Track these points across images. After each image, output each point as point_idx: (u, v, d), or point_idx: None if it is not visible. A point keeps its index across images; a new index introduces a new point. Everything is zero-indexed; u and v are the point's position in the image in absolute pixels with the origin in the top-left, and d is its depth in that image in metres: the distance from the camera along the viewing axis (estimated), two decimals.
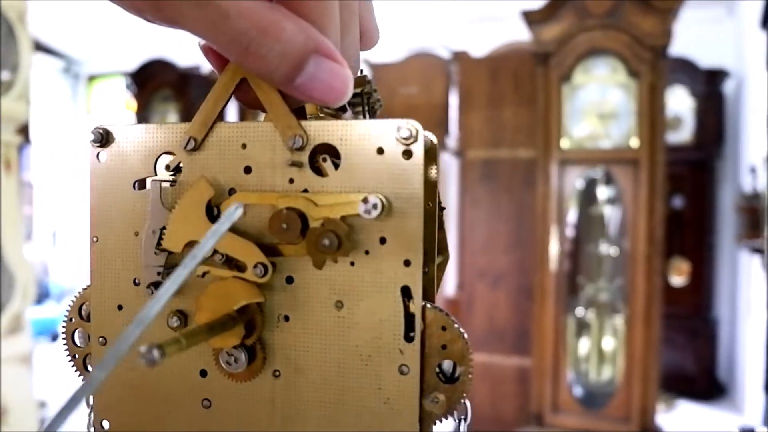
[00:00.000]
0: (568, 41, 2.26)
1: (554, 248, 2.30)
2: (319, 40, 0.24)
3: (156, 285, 0.31)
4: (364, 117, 0.36)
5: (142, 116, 3.59)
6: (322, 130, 0.29)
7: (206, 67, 3.60)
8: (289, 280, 0.30)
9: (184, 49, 3.70)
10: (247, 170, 0.30)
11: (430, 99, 3.04)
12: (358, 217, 0.28)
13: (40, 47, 4.45)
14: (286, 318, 0.30)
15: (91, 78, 5.45)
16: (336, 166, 0.29)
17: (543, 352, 2.33)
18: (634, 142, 2.22)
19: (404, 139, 0.28)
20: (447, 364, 0.30)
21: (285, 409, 0.31)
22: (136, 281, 0.32)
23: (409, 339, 0.29)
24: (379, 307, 0.29)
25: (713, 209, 3.43)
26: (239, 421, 0.31)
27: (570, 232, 2.37)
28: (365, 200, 0.28)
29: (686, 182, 3.33)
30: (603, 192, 2.39)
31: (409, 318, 0.29)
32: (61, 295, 5.09)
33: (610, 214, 2.40)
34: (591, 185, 2.41)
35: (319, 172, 0.29)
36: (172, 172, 0.31)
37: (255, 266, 0.29)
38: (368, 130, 0.29)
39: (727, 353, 3.47)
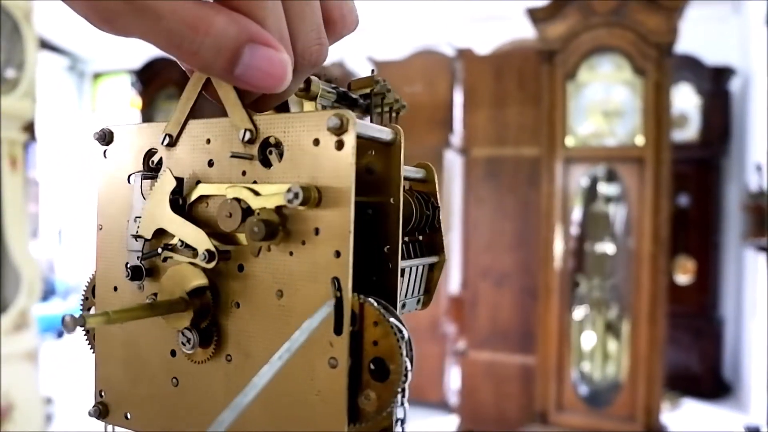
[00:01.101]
0: (573, 39, 2.26)
1: (558, 247, 2.30)
2: (252, 30, 0.25)
3: (133, 269, 0.34)
4: (382, 118, 0.36)
5: (147, 114, 3.60)
6: (269, 124, 0.30)
7: None
8: (240, 268, 0.31)
9: None
10: (210, 163, 0.32)
11: (435, 97, 3.03)
12: (297, 208, 0.29)
13: (45, 45, 4.46)
14: (237, 304, 0.31)
15: (97, 76, 5.47)
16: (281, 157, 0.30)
17: (547, 351, 2.33)
18: (640, 140, 2.22)
19: (335, 129, 0.28)
20: (374, 362, 0.29)
21: (235, 392, 0.31)
22: (126, 265, 0.35)
23: (338, 331, 0.29)
24: (314, 297, 0.29)
25: (719, 208, 3.42)
26: (199, 400, 0.33)
27: (574, 230, 2.37)
28: (288, 190, 0.28)
29: (692, 180, 3.31)
30: (607, 190, 2.39)
31: (340, 310, 0.29)
32: (66, 292, 5.12)
33: (615, 212, 2.39)
34: (595, 183, 2.40)
35: (266, 163, 0.31)
36: (155, 166, 0.34)
37: (203, 253, 0.31)
38: (306, 121, 0.29)
39: (732, 352, 3.45)
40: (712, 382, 3.31)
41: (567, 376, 2.34)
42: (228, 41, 0.24)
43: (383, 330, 0.29)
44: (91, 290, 0.37)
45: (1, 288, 1.89)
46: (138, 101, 3.68)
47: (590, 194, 2.41)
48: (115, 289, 0.35)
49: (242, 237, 0.31)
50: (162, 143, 0.33)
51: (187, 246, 0.32)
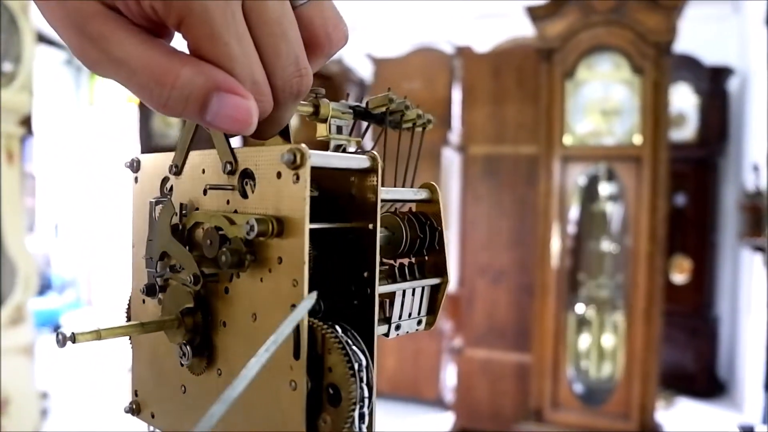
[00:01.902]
0: (572, 37, 2.26)
1: (556, 245, 2.30)
2: (218, 79, 0.26)
3: (148, 287, 0.36)
4: (411, 132, 0.39)
5: (144, 108, 3.59)
6: (246, 157, 0.32)
7: None
8: (226, 290, 0.33)
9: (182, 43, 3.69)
10: (205, 192, 0.34)
11: (433, 94, 3.03)
12: (266, 237, 0.30)
13: (43, 39, 4.44)
14: (224, 324, 0.33)
15: None
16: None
17: (543, 349, 2.34)
18: (637, 139, 2.22)
19: (289, 163, 0.29)
20: (335, 387, 0.31)
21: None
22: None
23: (296, 356, 0.30)
24: (277, 322, 0.30)
25: (715, 207, 3.43)
26: (201, 408, 0.35)
27: (571, 228, 2.37)
28: (247, 222, 0.30)
29: (689, 180, 3.32)
30: (605, 189, 2.39)
31: (298, 336, 0.30)
32: (62, 287, 5.11)
33: (612, 211, 2.40)
34: (593, 182, 2.41)
35: (243, 194, 0.32)
36: (168, 192, 0.37)
37: (189, 276, 0.34)
38: (270, 155, 0.31)
39: (727, 351, 3.47)
40: (706, 381, 3.33)
41: (562, 374, 2.34)
42: (195, 91, 0.26)
43: (336, 358, 0.30)
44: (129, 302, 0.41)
45: None
46: (133, 97, 3.66)
47: (588, 193, 2.41)
48: (143, 302, 0.38)
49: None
50: (170, 172, 0.36)
51: (183, 268, 0.34)
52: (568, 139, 2.30)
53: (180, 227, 0.35)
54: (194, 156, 0.35)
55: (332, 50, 0.30)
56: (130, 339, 0.40)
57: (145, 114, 3.60)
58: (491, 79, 2.68)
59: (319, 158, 0.30)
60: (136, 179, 0.39)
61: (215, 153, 0.34)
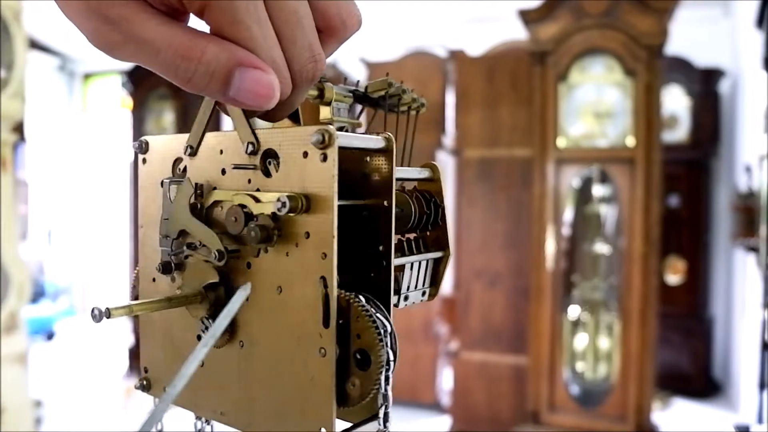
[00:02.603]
0: (565, 40, 2.27)
1: (550, 247, 2.31)
2: (239, 55, 0.27)
3: (164, 264, 0.37)
4: (406, 116, 0.40)
5: (138, 114, 3.58)
6: (268, 137, 0.34)
7: None
8: (248, 265, 0.35)
9: None
10: (223, 172, 0.36)
11: (427, 98, 3.02)
12: (294, 213, 0.32)
13: (35, 45, 4.43)
14: (247, 298, 0.35)
15: (87, 76, 5.43)
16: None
17: (539, 351, 2.34)
18: (630, 141, 2.23)
19: (318, 144, 0.31)
20: (363, 353, 0.33)
21: (245, 374, 0.36)
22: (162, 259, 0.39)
23: (326, 324, 0.32)
24: (305, 294, 0.33)
25: (709, 208, 3.44)
26: (218, 381, 0.37)
27: (566, 231, 2.38)
28: (278, 199, 0.32)
29: (682, 181, 3.34)
30: (599, 191, 2.40)
31: (327, 305, 0.32)
32: (56, 294, 5.08)
33: (606, 212, 2.41)
34: (587, 184, 2.41)
35: (266, 173, 0.34)
36: (181, 173, 0.38)
37: (215, 252, 0.35)
38: (296, 136, 0.33)
39: (722, 351, 3.48)
40: (702, 382, 3.34)
41: (559, 376, 2.35)
42: (219, 67, 0.27)
43: (364, 324, 0.32)
44: (136, 281, 0.42)
45: None
46: (129, 102, 3.65)
47: (582, 195, 2.42)
48: (154, 280, 0.39)
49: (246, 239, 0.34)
50: (185, 153, 0.37)
51: (204, 245, 0.35)
52: (561, 142, 2.31)
53: (198, 206, 0.36)
54: (210, 137, 0.36)
55: (347, 35, 0.31)
56: (136, 318, 0.40)
57: (138, 119, 3.59)
58: (485, 82, 2.68)
59: (343, 139, 0.32)
60: (144, 160, 0.40)
61: (233, 135, 0.35)
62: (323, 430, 0.33)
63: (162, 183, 0.38)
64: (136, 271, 0.42)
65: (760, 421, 2.33)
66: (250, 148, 0.34)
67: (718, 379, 3.45)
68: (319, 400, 0.33)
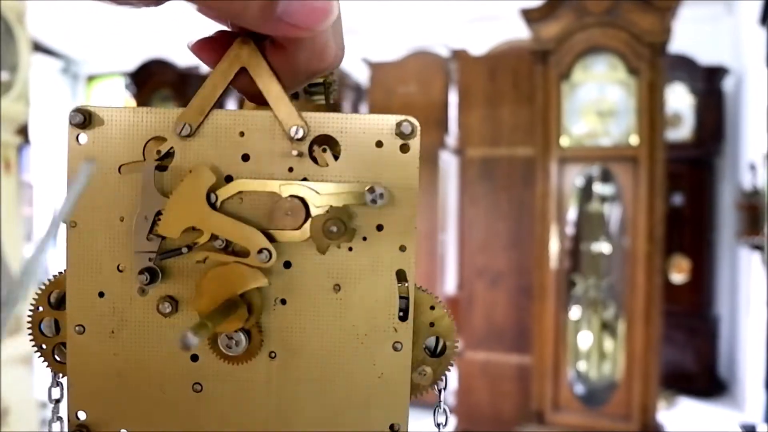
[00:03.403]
0: (567, 39, 2.26)
1: (554, 246, 2.30)
2: None
3: (149, 271, 0.31)
4: (327, 105, 0.37)
5: None
6: (322, 122, 0.31)
7: (205, 67, 3.60)
8: (287, 264, 0.31)
9: (183, 49, 3.70)
10: (245, 158, 0.31)
11: (429, 97, 3.03)
12: (357, 206, 0.30)
13: (39, 47, 4.44)
14: (283, 301, 0.31)
15: (91, 78, 5.45)
16: (334, 157, 0.31)
17: (543, 350, 2.33)
18: (634, 140, 2.22)
19: (404, 134, 0.30)
20: (430, 340, 0.33)
21: (280, 389, 0.32)
22: (120, 267, 0.32)
23: (402, 318, 0.31)
24: (375, 289, 0.31)
25: (713, 206, 3.43)
26: (233, 403, 0.32)
27: (569, 230, 2.37)
28: (371, 190, 0.29)
29: (686, 180, 3.33)
30: (602, 190, 2.39)
31: (401, 299, 0.31)
32: None
33: (610, 211, 2.40)
34: (590, 183, 2.41)
35: (316, 161, 0.31)
36: (161, 157, 0.31)
37: (260, 251, 0.30)
38: (369, 123, 0.31)
39: (727, 350, 3.47)
40: (707, 381, 3.33)
41: (563, 376, 2.34)
42: None
43: (440, 313, 0.32)
44: (47, 298, 0.34)
45: None
46: (132, 103, 3.67)
47: (585, 194, 2.42)
48: (101, 294, 0.32)
49: (282, 234, 0.31)
50: (178, 132, 0.31)
51: (227, 245, 0.31)
52: (564, 141, 2.31)
53: (214, 198, 0.31)
54: (220, 116, 0.31)
55: (334, 67, 0.31)
56: (41, 350, 0.33)
57: None
58: (487, 81, 2.68)
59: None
60: (78, 138, 0.31)
61: (259, 114, 0.31)
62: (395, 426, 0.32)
63: (120, 168, 0.31)
64: (43, 286, 0.34)
65: (766, 420, 2.31)
66: (301, 132, 0.30)
67: (724, 378, 3.44)
68: (391, 396, 0.32)
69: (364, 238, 0.31)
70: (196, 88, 0.31)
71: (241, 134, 0.31)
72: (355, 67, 3.34)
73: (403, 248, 0.31)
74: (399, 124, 0.30)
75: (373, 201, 0.29)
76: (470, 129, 2.70)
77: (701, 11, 3.34)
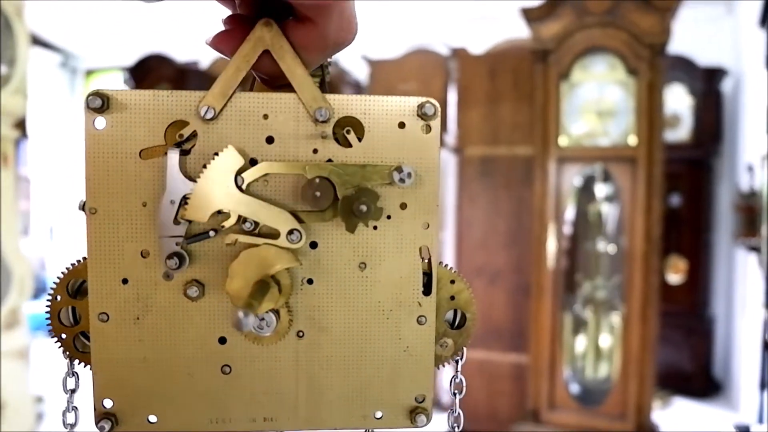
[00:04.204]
0: (567, 39, 2.26)
1: (552, 246, 2.31)
2: None
3: (177, 256, 0.31)
4: (322, 88, 0.37)
5: None
6: (345, 104, 0.31)
7: (204, 62, 3.59)
8: (313, 245, 0.32)
9: (182, 44, 3.69)
10: (270, 140, 0.31)
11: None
12: (382, 185, 0.31)
13: (37, 41, 4.43)
14: (310, 281, 0.32)
15: (89, 72, 5.43)
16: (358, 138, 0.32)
17: (540, 350, 2.34)
18: (633, 140, 2.23)
19: (426, 115, 0.32)
20: (449, 314, 0.34)
21: (309, 366, 0.33)
22: (144, 253, 0.31)
23: (426, 292, 0.33)
24: (400, 265, 0.32)
25: (710, 207, 3.44)
26: (263, 382, 0.33)
27: (567, 229, 2.37)
28: (399, 170, 0.31)
29: (684, 180, 3.33)
30: (601, 189, 2.40)
31: (429, 274, 0.33)
32: None
33: (608, 211, 2.40)
34: (589, 182, 2.41)
35: (339, 143, 0.32)
36: (183, 141, 0.31)
37: (290, 232, 0.31)
38: (391, 105, 0.32)
39: (723, 351, 3.48)
40: (702, 381, 3.33)
41: (559, 375, 2.35)
42: None
43: (460, 286, 0.34)
44: (65, 287, 0.33)
45: None
46: None
47: (583, 194, 2.42)
48: (125, 281, 0.31)
49: (308, 215, 0.31)
50: (201, 115, 0.30)
51: (260, 226, 0.31)
52: (563, 140, 2.31)
53: (240, 181, 0.31)
54: (243, 99, 0.31)
55: (347, 46, 0.32)
56: (61, 340, 0.33)
57: None
58: (486, 80, 2.68)
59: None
60: (95, 122, 0.31)
61: (282, 97, 0.31)
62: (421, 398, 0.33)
63: (141, 153, 0.31)
64: (62, 275, 0.33)
65: (760, 420, 2.32)
66: (326, 114, 0.31)
67: (719, 379, 3.45)
68: (416, 368, 0.33)
69: (389, 217, 0.32)
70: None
71: (265, 117, 0.31)
72: (355, 65, 3.34)
73: (426, 225, 0.32)
74: (421, 106, 0.32)
75: (401, 180, 0.30)
76: (469, 128, 2.70)
77: (701, 12, 3.34)
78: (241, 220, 0.31)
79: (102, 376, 0.32)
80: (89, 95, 0.31)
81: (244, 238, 0.31)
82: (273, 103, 0.31)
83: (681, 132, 3.37)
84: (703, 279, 3.41)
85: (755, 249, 2.50)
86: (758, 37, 2.53)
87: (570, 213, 2.39)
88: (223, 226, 0.31)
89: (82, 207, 0.32)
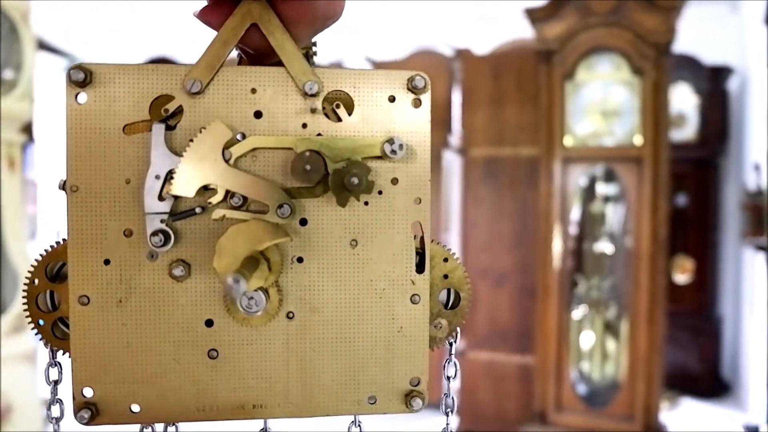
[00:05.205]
0: (571, 39, 2.26)
1: (557, 246, 2.30)
2: None
3: (163, 233, 0.29)
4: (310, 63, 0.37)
5: None
6: (335, 78, 0.31)
7: None
8: (303, 222, 0.31)
9: (188, 48, 3.70)
10: (258, 115, 0.30)
11: (433, 97, 2.99)
12: (373, 159, 0.31)
13: (43, 46, 4.46)
14: (300, 259, 0.31)
15: None
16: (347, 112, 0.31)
17: (546, 351, 2.33)
18: (638, 140, 2.22)
19: (417, 89, 0.31)
20: (443, 294, 0.33)
21: (300, 349, 0.31)
22: (127, 232, 0.30)
23: (419, 270, 0.32)
24: (392, 242, 0.31)
25: (717, 207, 3.42)
26: (252, 367, 0.31)
27: (573, 230, 2.37)
28: (390, 141, 0.30)
29: (690, 180, 3.31)
30: (606, 190, 2.39)
31: (417, 252, 0.32)
32: None
33: (614, 212, 2.40)
34: (594, 183, 2.40)
35: (329, 117, 0.31)
36: (169, 116, 0.30)
37: (280, 206, 0.30)
38: (381, 79, 0.31)
39: (730, 351, 3.46)
40: (710, 381, 3.31)
41: (566, 376, 2.34)
42: None
43: (452, 265, 0.33)
44: (43, 270, 0.32)
45: (0, 290, 1.89)
46: None
47: (589, 194, 2.41)
48: (107, 262, 0.30)
49: (299, 191, 0.30)
50: (188, 89, 0.29)
51: (248, 201, 0.30)
52: (568, 141, 2.30)
53: (228, 156, 0.30)
54: (230, 73, 0.30)
55: (336, 20, 0.31)
56: (38, 327, 0.31)
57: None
58: (491, 81, 2.68)
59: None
60: (77, 97, 0.30)
61: (271, 71, 0.30)
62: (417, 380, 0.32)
63: (124, 128, 0.29)
64: (39, 257, 0.32)
65: None
66: (315, 88, 0.30)
67: (727, 379, 3.43)
68: (411, 350, 0.32)
69: (380, 192, 0.31)
70: None
71: (253, 91, 0.30)
72: (359, 66, 3.34)
73: (418, 201, 0.31)
74: (411, 79, 0.31)
75: (393, 152, 0.30)
76: (474, 128, 2.69)
77: (706, 11, 3.33)
78: (229, 195, 0.30)
79: (82, 363, 0.31)
80: (71, 68, 0.30)
81: (232, 214, 0.30)
82: (261, 76, 0.30)
83: (687, 131, 3.35)
84: (710, 279, 3.39)
85: (763, 248, 2.49)
86: (763, 34, 2.52)
87: (575, 213, 2.38)
88: (209, 203, 0.30)
89: (63, 186, 0.31)
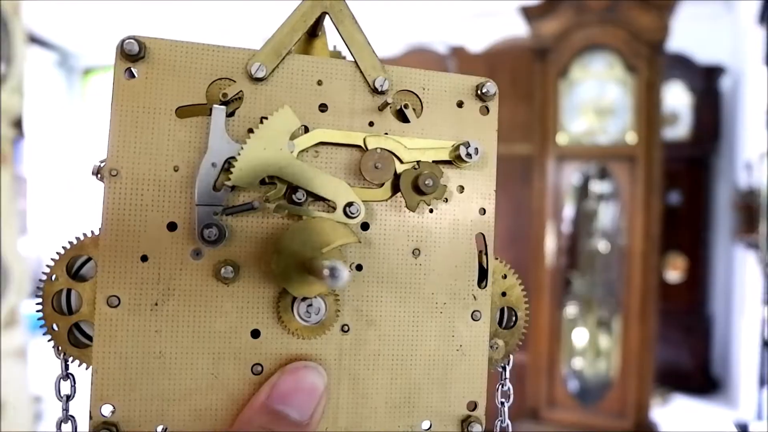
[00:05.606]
0: (566, 37, 2.26)
1: (550, 244, 2.31)
2: None
3: (217, 226, 0.26)
4: None
5: None
6: (404, 77, 0.30)
7: None
8: (365, 226, 0.28)
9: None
10: (323, 108, 0.28)
11: None
12: (441, 164, 0.29)
13: (34, 40, 4.42)
14: (359, 267, 0.28)
15: (87, 71, 5.42)
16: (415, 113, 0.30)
17: (538, 348, 2.34)
18: (631, 138, 2.22)
19: (486, 96, 0.30)
20: (498, 313, 0.31)
21: (353, 367, 0.28)
22: (170, 226, 0.27)
23: (482, 285, 0.30)
24: (455, 253, 0.29)
25: (709, 205, 3.44)
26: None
27: (566, 227, 2.37)
28: (467, 144, 0.28)
29: (683, 178, 3.33)
30: (599, 187, 2.39)
31: (480, 265, 0.30)
32: None
33: (606, 209, 2.40)
34: (587, 181, 2.41)
35: (403, 117, 0.29)
36: (228, 101, 0.27)
37: (350, 205, 0.27)
38: (450, 83, 0.30)
39: (721, 349, 3.48)
40: (701, 378, 3.34)
41: (558, 373, 2.35)
42: None
43: (512, 282, 0.31)
44: (64, 266, 0.27)
45: None
46: None
47: (582, 192, 2.42)
48: (144, 258, 0.26)
49: (364, 192, 0.28)
50: (251, 74, 0.27)
51: (316, 198, 0.27)
52: (562, 139, 2.31)
53: (291, 147, 0.28)
54: (297, 62, 0.28)
55: None
56: (52, 331, 0.27)
57: None
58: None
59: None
60: (127, 71, 0.27)
61: (338, 63, 0.29)
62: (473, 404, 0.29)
63: (177, 110, 0.26)
64: (62, 251, 0.28)
65: (759, 417, 2.33)
66: (386, 84, 0.28)
67: (718, 376, 3.45)
68: (469, 370, 0.30)
69: (446, 200, 0.29)
70: None
71: (319, 83, 0.28)
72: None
73: (482, 211, 0.30)
74: (480, 86, 0.30)
75: (468, 155, 0.28)
76: None
77: (700, 10, 3.34)
78: (291, 189, 0.27)
79: (104, 375, 0.27)
80: (126, 39, 0.27)
81: (295, 210, 0.27)
82: (329, 68, 0.28)
83: (680, 130, 3.37)
84: (702, 277, 3.41)
85: (754, 246, 2.50)
86: (757, 34, 2.53)
87: (568, 211, 2.38)
88: (267, 199, 0.27)
89: (97, 171, 0.27)
